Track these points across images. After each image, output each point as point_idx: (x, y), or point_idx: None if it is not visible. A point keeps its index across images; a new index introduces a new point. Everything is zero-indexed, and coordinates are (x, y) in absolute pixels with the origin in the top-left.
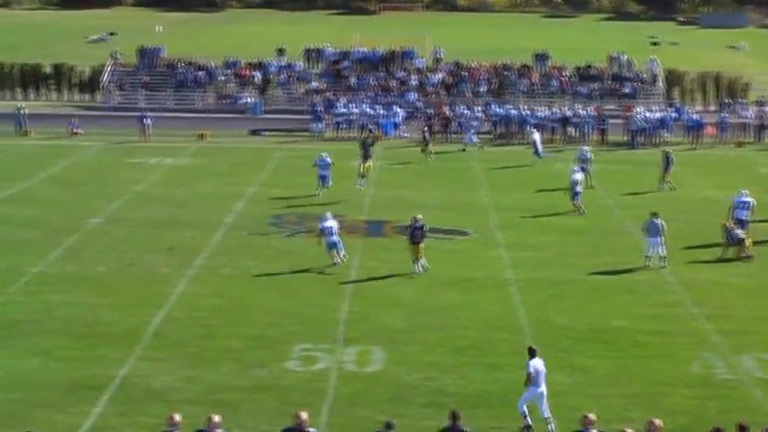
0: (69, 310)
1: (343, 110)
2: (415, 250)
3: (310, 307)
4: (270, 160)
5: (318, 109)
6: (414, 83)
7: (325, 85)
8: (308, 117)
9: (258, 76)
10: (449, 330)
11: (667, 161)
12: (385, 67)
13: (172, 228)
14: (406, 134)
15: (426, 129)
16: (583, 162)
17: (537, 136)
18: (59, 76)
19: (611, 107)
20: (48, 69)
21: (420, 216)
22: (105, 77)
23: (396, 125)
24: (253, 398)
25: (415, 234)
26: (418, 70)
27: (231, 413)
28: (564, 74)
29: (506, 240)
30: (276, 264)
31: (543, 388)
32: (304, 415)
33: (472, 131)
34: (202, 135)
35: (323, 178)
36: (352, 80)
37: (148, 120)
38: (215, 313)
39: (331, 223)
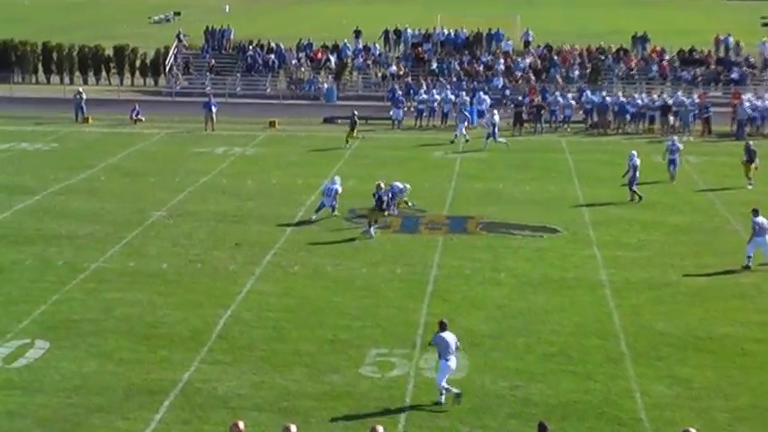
0: (130, 309)
1: (424, 96)
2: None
3: (387, 308)
4: (345, 150)
5: (398, 95)
6: (501, 67)
7: (405, 69)
8: (387, 104)
9: (333, 59)
10: (537, 335)
11: (750, 154)
12: (470, 51)
13: (239, 222)
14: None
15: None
16: (672, 153)
17: (497, 118)
18: (121, 59)
19: (717, 94)
20: (108, 52)
21: (383, 182)
22: (170, 60)
23: (481, 113)
24: (325, 406)
25: (380, 202)
26: (506, 54)
27: (301, 421)
28: (665, 58)
29: (600, 238)
30: (350, 261)
31: (453, 362)
32: (380, 429)
33: (464, 124)
34: (273, 123)
35: (329, 205)
36: (434, 64)
37: (215, 106)
38: (285, 314)
39: (335, 186)
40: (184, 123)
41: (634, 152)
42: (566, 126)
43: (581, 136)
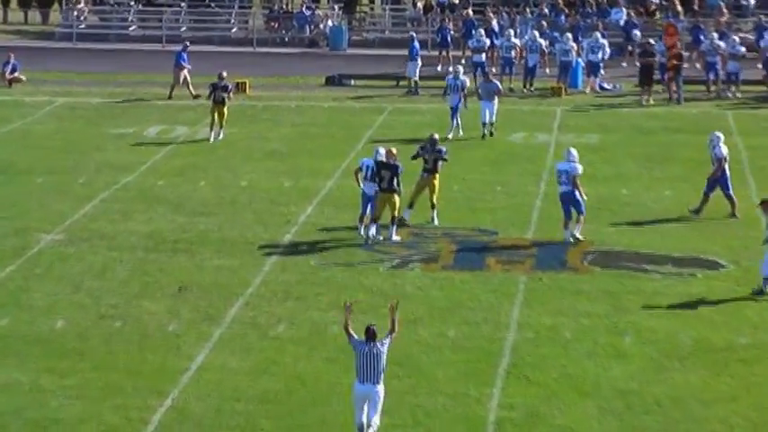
0: (3, 398)
1: (485, 41)
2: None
3: (434, 396)
4: (361, 130)
5: (448, 37)
6: None
7: None
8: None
9: None
10: None
11: None
12: None
13: (186, 250)
14: (608, 84)
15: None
16: None
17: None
18: None
19: None
20: None
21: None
22: None
23: (595, 66)
24: None
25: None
26: None
27: None
28: None
29: None
30: (371, 315)
31: (380, 389)
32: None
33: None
34: (241, 85)
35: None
36: None
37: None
38: (262, 406)
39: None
40: (94, 86)
41: (715, 135)
42: (732, 90)
43: (757, 106)
